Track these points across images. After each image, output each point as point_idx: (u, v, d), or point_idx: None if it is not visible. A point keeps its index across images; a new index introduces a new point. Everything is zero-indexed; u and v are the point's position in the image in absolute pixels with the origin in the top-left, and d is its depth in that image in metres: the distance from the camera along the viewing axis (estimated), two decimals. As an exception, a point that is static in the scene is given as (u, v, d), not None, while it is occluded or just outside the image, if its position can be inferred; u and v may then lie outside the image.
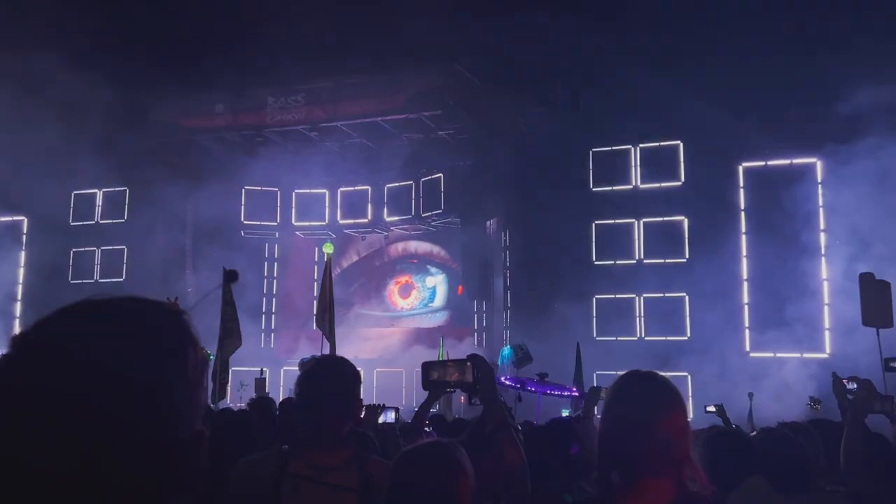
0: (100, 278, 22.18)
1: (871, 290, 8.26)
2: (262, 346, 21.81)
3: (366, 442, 3.55)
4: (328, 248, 13.75)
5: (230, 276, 7.81)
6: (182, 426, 0.84)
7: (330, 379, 2.54)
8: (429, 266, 22.66)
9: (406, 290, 22.83)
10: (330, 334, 10.59)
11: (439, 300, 22.44)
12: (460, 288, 20.91)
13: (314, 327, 11.47)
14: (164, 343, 0.86)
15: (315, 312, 11.28)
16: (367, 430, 3.90)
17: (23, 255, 22.77)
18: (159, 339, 0.85)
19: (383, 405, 5.44)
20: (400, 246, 23.10)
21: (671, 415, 1.80)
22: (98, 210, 22.85)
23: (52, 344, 0.82)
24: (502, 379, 11.33)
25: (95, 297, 0.88)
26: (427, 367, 2.53)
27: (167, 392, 0.83)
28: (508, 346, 15.16)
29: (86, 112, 16.90)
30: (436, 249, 22.48)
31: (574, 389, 11.83)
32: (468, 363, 2.44)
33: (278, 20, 16.78)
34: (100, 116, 17.73)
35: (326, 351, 11.36)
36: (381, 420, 5.24)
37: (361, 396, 2.71)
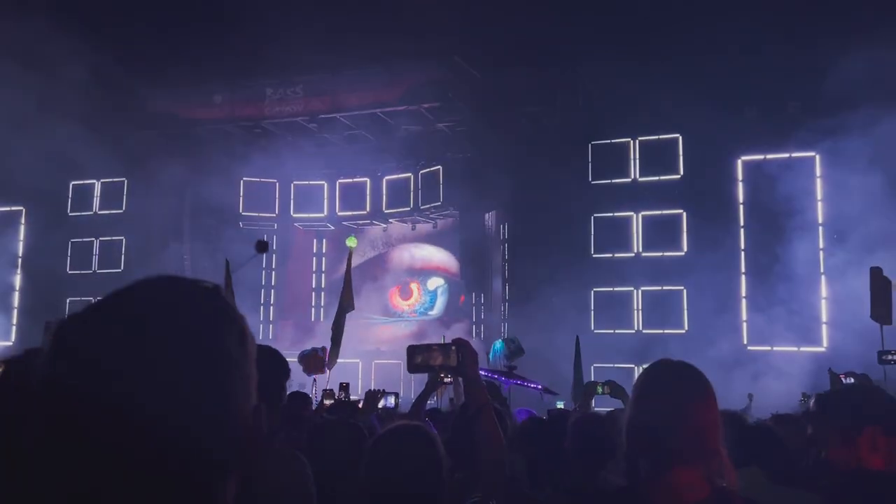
0: (98, 269, 22.18)
1: (879, 285, 8.26)
2: (261, 337, 21.83)
3: (355, 432, 3.53)
4: (352, 242, 13.79)
5: (261, 247, 7.82)
6: (247, 400, 0.85)
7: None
8: (433, 276, 22.60)
9: (406, 292, 22.75)
10: (340, 326, 10.85)
11: (438, 308, 22.37)
12: (462, 297, 20.92)
13: (317, 311, 11.61)
14: (226, 319, 0.86)
15: (342, 302, 11.46)
16: (359, 421, 3.91)
17: (21, 245, 22.75)
18: (223, 315, 0.86)
19: (383, 390, 5.49)
20: (405, 254, 22.89)
21: (703, 405, 1.78)
22: (96, 200, 22.82)
23: (126, 320, 0.81)
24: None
25: (151, 278, 0.88)
26: (412, 350, 2.54)
27: (234, 366, 0.84)
28: (500, 340, 15.19)
29: (84, 102, 16.85)
30: (438, 256, 22.31)
31: (538, 384, 11.94)
32: (453, 347, 2.46)
33: (277, 11, 16.72)
34: (98, 107, 17.69)
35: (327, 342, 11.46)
36: (381, 405, 5.28)
37: (347, 387, 2.71)
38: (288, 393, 3.30)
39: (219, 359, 0.83)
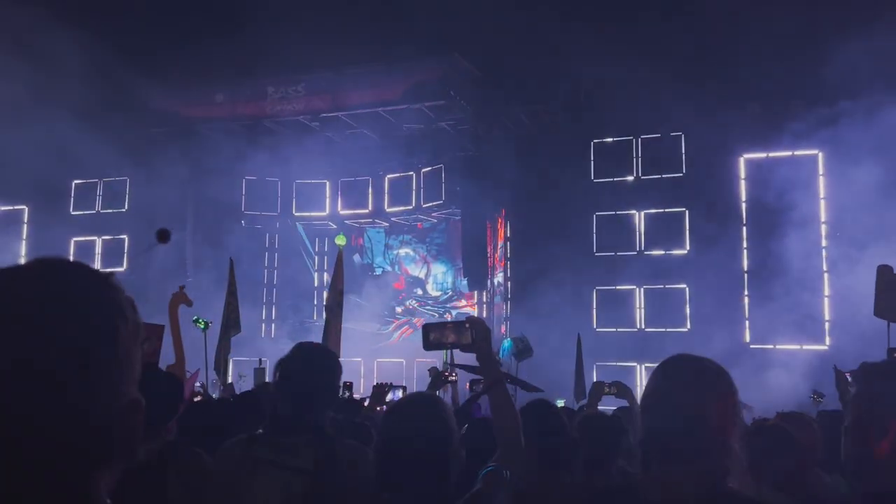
0: (101, 267, 22.13)
1: (886, 283, 8.22)
2: (263, 336, 21.84)
3: (360, 431, 3.56)
4: (340, 240, 13.75)
5: (162, 236, 7.54)
6: (112, 396, 0.83)
7: (308, 366, 2.59)
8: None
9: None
10: (337, 323, 10.69)
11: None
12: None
13: (324, 315, 11.48)
14: (90, 311, 0.84)
15: (326, 302, 11.33)
16: (365, 419, 3.91)
17: (23, 244, 22.78)
18: (85, 307, 0.83)
19: (391, 384, 5.49)
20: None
21: (717, 401, 1.74)
22: (98, 199, 22.85)
23: None
24: None
25: (25, 262, 0.87)
26: (426, 328, 2.58)
27: (92, 358, 0.82)
28: (509, 339, 15.15)
29: (87, 101, 16.86)
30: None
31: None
32: (467, 324, 2.51)
33: (279, 9, 16.72)
34: (101, 105, 17.69)
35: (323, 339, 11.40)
36: (389, 398, 5.29)
37: (350, 386, 2.79)
38: None
39: (86, 348, 0.81)
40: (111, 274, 0.91)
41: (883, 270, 8.38)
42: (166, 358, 9.63)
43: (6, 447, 0.77)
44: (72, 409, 0.79)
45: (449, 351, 14.88)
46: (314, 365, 2.60)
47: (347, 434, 3.32)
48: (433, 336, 2.55)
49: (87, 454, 0.81)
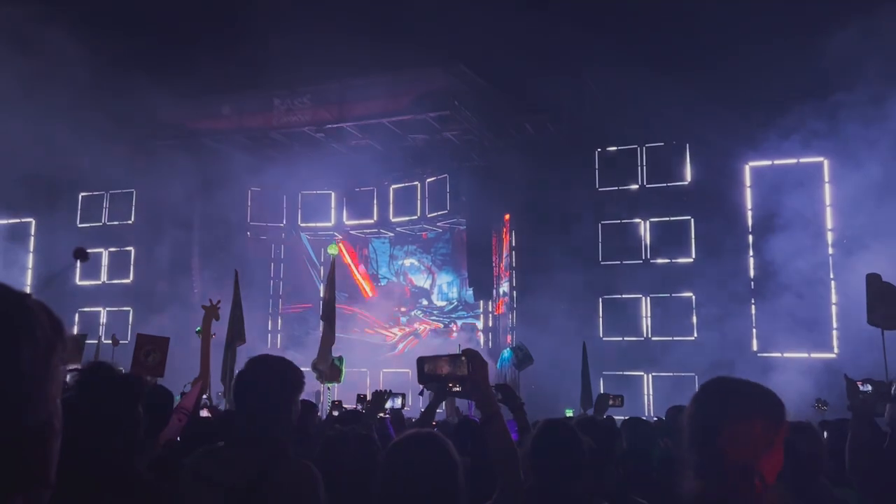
0: (107, 279, 22.30)
1: (878, 291, 8.23)
2: (268, 346, 21.86)
3: (366, 443, 3.51)
4: (332, 250, 13.83)
5: (79, 254, 7.49)
6: (13, 417, 0.79)
7: (259, 378, 2.52)
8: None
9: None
10: (329, 331, 10.71)
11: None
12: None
13: (320, 323, 11.52)
14: (13, 329, 0.80)
15: (321, 313, 11.37)
16: (361, 429, 3.88)
17: (30, 256, 22.89)
18: (12, 325, 0.80)
19: (390, 391, 5.49)
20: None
21: (739, 424, 1.72)
22: (105, 211, 22.95)
23: None
24: None
25: None
26: (421, 361, 2.54)
27: (11, 380, 0.78)
28: (508, 349, 15.12)
29: (93, 114, 16.95)
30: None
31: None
32: (462, 357, 2.46)
33: (284, 22, 16.82)
34: (107, 118, 17.79)
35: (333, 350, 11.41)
36: (388, 405, 5.28)
37: (364, 398, 2.73)
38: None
39: None
40: (26, 294, 0.85)
41: (872, 279, 8.37)
42: (180, 370, 9.65)
43: None
44: None
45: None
46: (265, 378, 2.51)
47: (352, 446, 3.31)
48: (427, 368, 2.50)
49: None
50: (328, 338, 10.84)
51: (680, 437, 1.82)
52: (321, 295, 23.17)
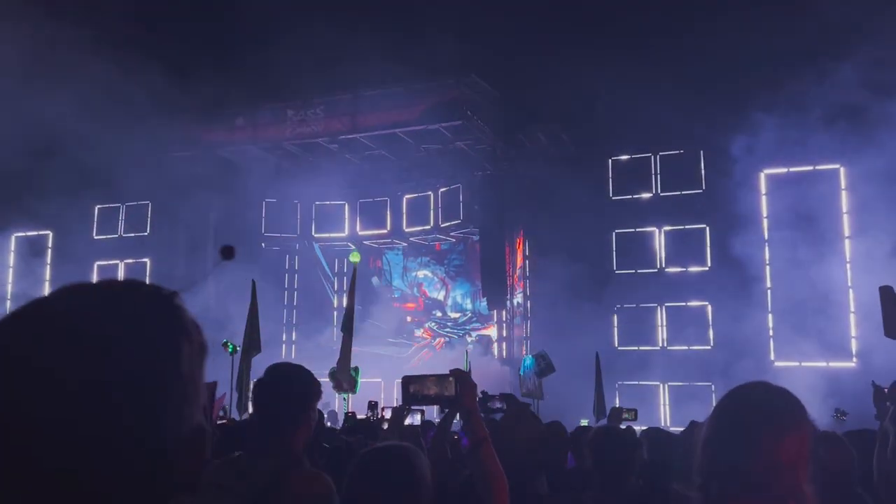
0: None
1: (891, 303, 8.11)
2: (283, 356, 21.87)
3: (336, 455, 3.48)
4: (355, 258, 13.82)
5: (226, 253, 7.58)
6: (175, 421, 0.77)
7: (274, 388, 2.50)
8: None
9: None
10: (348, 340, 10.74)
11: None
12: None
13: (335, 333, 11.56)
14: (152, 332, 0.78)
15: (341, 322, 11.41)
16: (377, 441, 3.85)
17: (48, 269, 23.08)
18: (148, 328, 0.78)
19: (409, 407, 5.40)
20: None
21: (785, 436, 1.63)
22: (121, 224, 23.13)
23: (31, 332, 0.75)
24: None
25: (82, 282, 0.81)
26: (406, 380, 2.46)
27: (156, 385, 0.76)
28: (531, 356, 15.03)
29: (108, 126, 17.10)
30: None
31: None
32: (450, 378, 2.36)
33: (297, 34, 16.92)
34: (122, 131, 17.95)
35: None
36: (408, 421, 5.20)
37: (375, 405, 2.68)
38: None
39: (150, 371, 0.75)
40: (175, 293, 0.83)
41: (886, 291, 8.26)
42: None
43: (65, 478, 0.71)
44: (133, 435, 0.73)
45: (468, 361, 14.87)
46: (285, 386, 2.50)
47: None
48: (413, 388, 2.42)
49: (148, 484, 0.75)
50: (347, 347, 10.88)
51: (712, 448, 1.71)
52: (335, 305, 23.34)
